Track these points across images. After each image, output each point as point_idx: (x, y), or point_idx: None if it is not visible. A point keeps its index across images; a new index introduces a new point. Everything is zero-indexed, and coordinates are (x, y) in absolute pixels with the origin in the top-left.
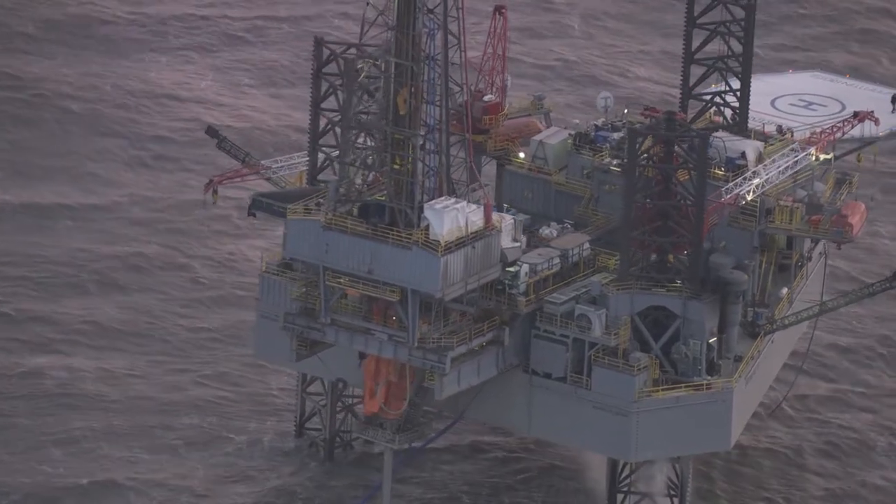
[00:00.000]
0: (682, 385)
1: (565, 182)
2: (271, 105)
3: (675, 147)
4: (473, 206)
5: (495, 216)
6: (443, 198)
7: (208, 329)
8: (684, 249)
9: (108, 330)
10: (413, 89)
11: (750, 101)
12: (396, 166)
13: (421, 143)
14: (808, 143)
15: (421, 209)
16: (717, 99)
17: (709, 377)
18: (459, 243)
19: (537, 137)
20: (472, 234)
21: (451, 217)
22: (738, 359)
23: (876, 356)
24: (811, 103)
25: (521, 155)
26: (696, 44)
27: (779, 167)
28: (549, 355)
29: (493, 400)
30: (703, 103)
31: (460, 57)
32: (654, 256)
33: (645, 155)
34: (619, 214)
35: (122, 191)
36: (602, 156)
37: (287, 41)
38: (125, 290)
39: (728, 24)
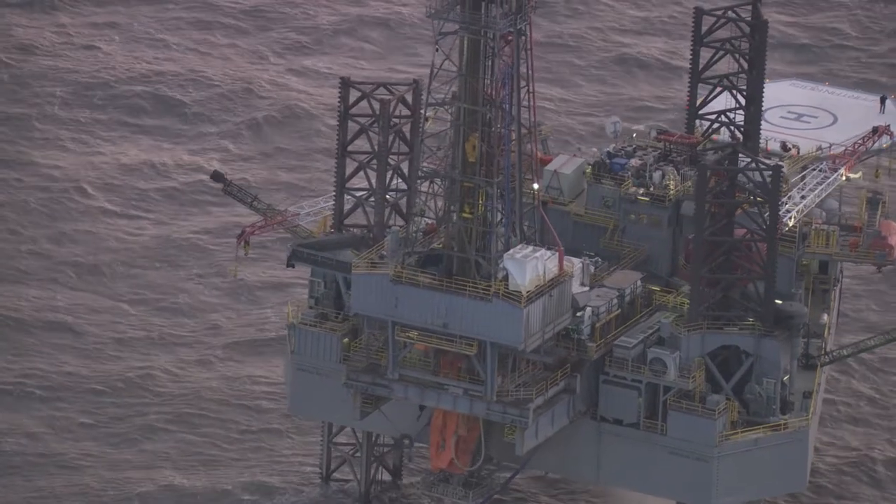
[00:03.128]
0: (760, 426)
1: (584, 213)
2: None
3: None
4: (549, 253)
5: (565, 261)
6: (520, 246)
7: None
8: (745, 285)
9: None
10: (485, 136)
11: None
12: (467, 215)
13: (498, 191)
14: (834, 161)
15: (498, 259)
16: (724, 118)
17: (783, 416)
18: (539, 293)
19: (551, 167)
20: (548, 282)
21: (532, 267)
22: (808, 395)
23: None
24: (802, 115)
25: (535, 186)
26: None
27: (815, 190)
28: (620, 401)
29: (556, 448)
30: (710, 122)
31: (529, 100)
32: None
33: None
34: (654, 246)
35: None
36: (627, 185)
37: None
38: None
39: (735, 41)
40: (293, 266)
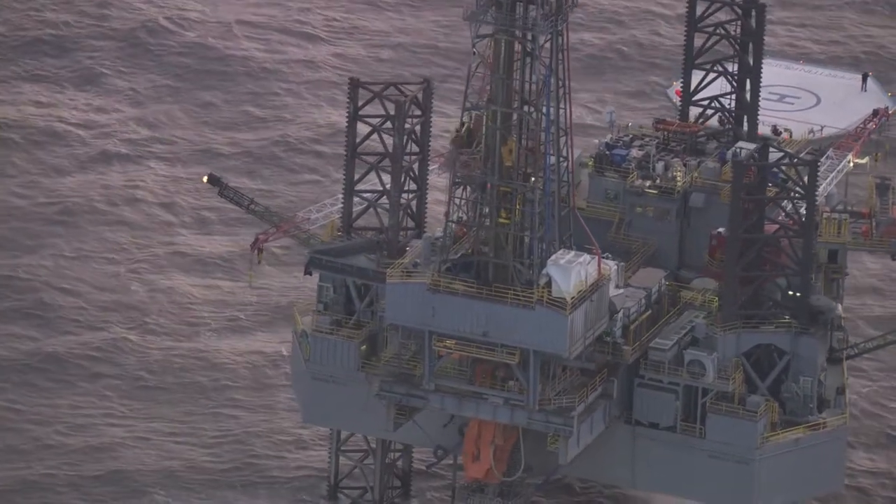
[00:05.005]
0: (800, 426)
1: (586, 206)
2: None
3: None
4: (589, 258)
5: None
6: (561, 251)
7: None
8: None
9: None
10: (524, 140)
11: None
12: (504, 220)
13: (538, 195)
14: (840, 147)
15: (540, 265)
16: (717, 103)
17: (821, 415)
18: (581, 298)
19: None
20: (589, 286)
21: (576, 273)
22: (840, 391)
23: None
24: (784, 96)
25: (533, 179)
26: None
27: (826, 178)
28: (657, 404)
29: (589, 453)
30: (703, 108)
31: (566, 101)
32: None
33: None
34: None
35: None
36: (632, 177)
37: None
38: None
39: (727, 25)
40: (310, 273)
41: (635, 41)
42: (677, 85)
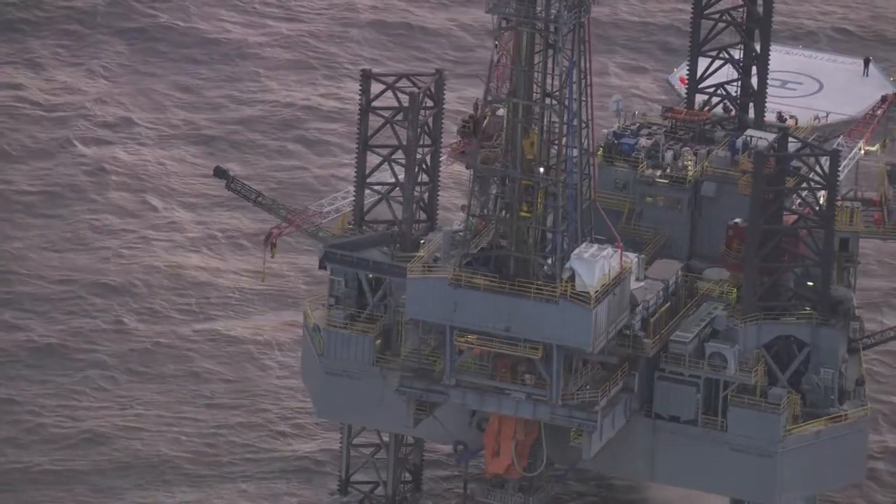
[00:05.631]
0: (822, 418)
1: (595, 196)
2: None
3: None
4: (612, 251)
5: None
6: (584, 245)
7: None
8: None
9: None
10: (545, 132)
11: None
12: (525, 213)
13: (561, 188)
14: (851, 135)
15: (562, 259)
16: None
17: (842, 407)
18: (605, 292)
19: None
20: (612, 280)
21: (600, 266)
22: (860, 382)
23: None
24: (786, 82)
25: (542, 169)
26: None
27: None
28: (678, 398)
29: (609, 447)
30: (709, 95)
31: (588, 93)
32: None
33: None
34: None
35: None
36: (642, 167)
37: None
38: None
39: (733, 11)
40: (325, 268)
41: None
42: (679, 72)
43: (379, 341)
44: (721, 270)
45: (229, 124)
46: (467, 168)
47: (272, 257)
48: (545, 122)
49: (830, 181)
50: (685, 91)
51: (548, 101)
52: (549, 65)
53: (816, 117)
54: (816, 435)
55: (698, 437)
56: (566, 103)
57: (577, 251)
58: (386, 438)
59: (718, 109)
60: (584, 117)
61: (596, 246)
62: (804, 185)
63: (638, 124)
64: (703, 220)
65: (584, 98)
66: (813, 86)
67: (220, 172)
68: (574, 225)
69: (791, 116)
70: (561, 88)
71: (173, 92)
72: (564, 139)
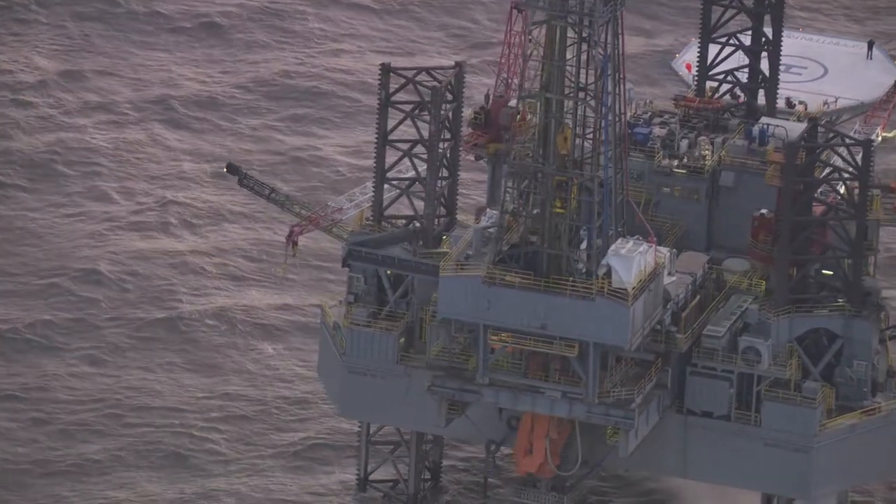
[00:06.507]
0: (856, 412)
1: None
2: None
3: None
4: (647, 246)
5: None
6: (620, 241)
7: None
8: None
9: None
10: (582, 128)
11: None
12: (559, 209)
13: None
14: (868, 121)
15: (598, 255)
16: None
17: (875, 399)
18: (641, 288)
19: None
20: (648, 276)
21: (637, 263)
22: (892, 373)
23: None
24: (790, 66)
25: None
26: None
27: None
28: (710, 393)
29: (640, 444)
30: (718, 82)
31: (621, 88)
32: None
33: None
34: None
35: None
36: (659, 157)
37: None
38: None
39: None
40: (349, 266)
41: None
42: (681, 57)
43: (402, 339)
44: (740, 261)
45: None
46: (476, 160)
47: (294, 256)
48: (578, 117)
49: (863, 172)
50: (693, 77)
51: (581, 95)
52: (583, 58)
53: (826, 103)
54: (851, 428)
55: (731, 433)
56: (601, 97)
57: (613, 247)
58: (406, 436)
59: (726, 97)
60: (617, 111)
61: (632, 241)
62: (835, 175)
63: (650, 113)
64: (720, 210)
65: (617, 92)
66: (818, 70)
67: (232, 169)
68: (609, 221)
69: (800, 102)
70: (596, 82)
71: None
72: (599, 133)
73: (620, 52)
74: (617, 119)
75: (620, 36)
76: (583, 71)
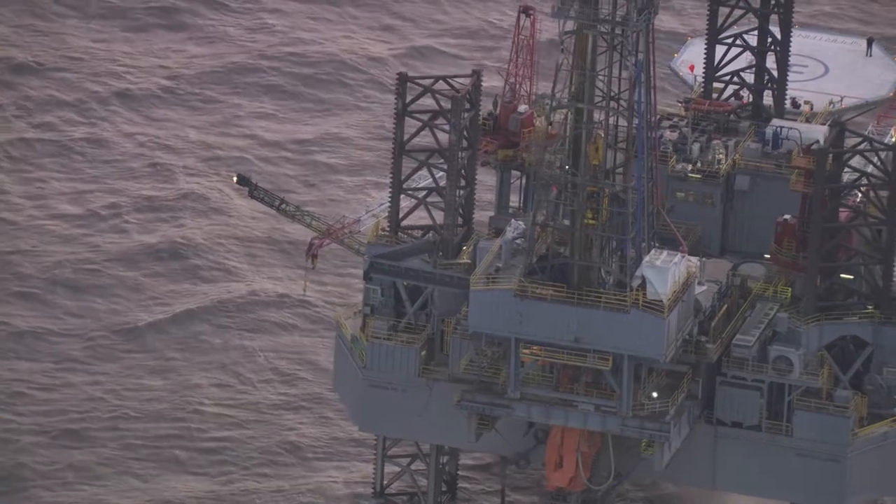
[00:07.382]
0: (888, 419)
1: None
2: None
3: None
4: (680, 257)
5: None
6: (653, 252)
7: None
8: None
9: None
10: (614, 138)
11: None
12: (591, 221)
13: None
14: (880, 121)
15: (631, 267)
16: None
17: None
18: (675, 300)
19: None
20: (681, 287)
21: (672, 274)
22: None
23: None
24: (791, 65)
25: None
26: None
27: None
28: (741, 403)
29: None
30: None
31: (653, 97)
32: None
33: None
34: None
35: None
36: (672, 162)
37: None
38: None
39: None
40: (370, 279)
41: None
42: (679, 57)
43: (424, 352)
44: (756, 266)
45: None
46: (483, 166)
47: (313, 269)
48: (609, 127)
49: (894, 177)
50: (699, 78)
51: (613, 104)
52: (615, 68)
53: (831, 102)
54: (884, 436)
55: (762, 443)
56: (635, 107)
57: (647, 258)
58: (424, 448)
59: (731, 98)
60: (649, 120)
61: (666, 252)
62: (865, 181)
63: (659, 116)
64: (735, 215)
65: (649, 101)
66: (818, 68)
67: (242, 180)
68: (642, 232)
69: (805, 102)
70: (630, 91)
71: None
72: (632, 143)
73: (652, 61)
74: (649, 129)
75: (651, 44)
76: (613, 80)
